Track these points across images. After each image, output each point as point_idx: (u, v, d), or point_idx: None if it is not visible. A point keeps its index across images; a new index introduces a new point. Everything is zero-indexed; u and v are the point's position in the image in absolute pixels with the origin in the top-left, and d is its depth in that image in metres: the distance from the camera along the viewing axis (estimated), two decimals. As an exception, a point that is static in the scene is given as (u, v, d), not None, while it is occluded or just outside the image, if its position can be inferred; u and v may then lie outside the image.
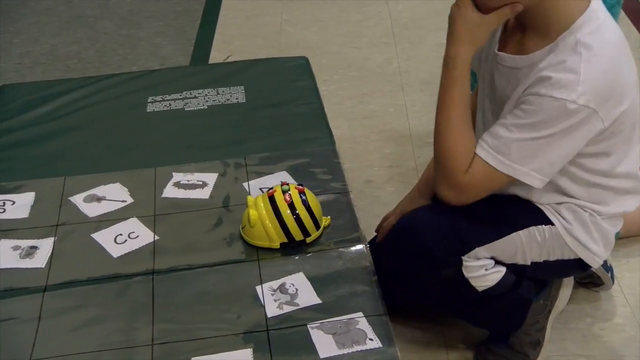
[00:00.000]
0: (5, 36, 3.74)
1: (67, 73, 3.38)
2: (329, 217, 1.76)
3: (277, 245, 1.69)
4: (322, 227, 1.73)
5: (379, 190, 2.57)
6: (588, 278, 2.11)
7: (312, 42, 3.52)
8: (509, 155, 1.60)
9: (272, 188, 1.72)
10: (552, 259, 1.76)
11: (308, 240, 1.71)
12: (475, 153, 1.64)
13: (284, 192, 1.69)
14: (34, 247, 1.74)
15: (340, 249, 1.69)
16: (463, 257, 1.69)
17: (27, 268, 1.69)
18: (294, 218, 1.67)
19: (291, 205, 1.68)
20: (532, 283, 1.86)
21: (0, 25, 3.82)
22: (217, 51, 3.48)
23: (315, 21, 3.71)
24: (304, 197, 1.70)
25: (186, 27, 3.75)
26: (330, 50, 3.43)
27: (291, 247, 1.70)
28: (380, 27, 3.62)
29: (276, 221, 1.67)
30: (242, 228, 1.73)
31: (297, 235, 1.69)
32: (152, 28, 3.76)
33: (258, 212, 1.68)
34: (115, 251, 1.72)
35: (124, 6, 4.00)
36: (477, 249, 1.70)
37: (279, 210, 1.68)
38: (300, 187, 1.72)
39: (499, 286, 1.75)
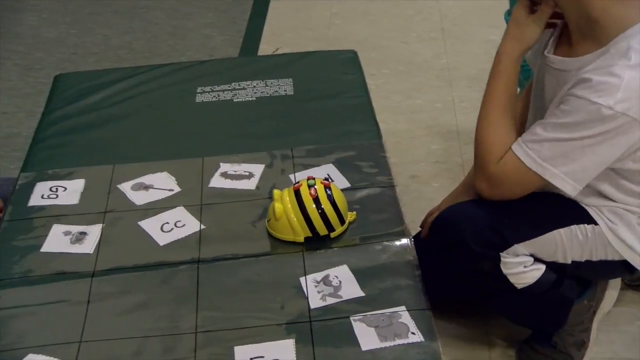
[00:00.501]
0: (62, 27, 3.81)
1: (118, 63, 3.42)
2: (354, 212, 1.76)
3: (301, 239, 1.70)
4: (347, 222, 1.73)
5: (425, 185, 2.57)
6: (638, 281, 2.09)
7: (361, 35, 3.52)
8: (540, 152, 1.60)
9: (298, 182, 1.73)
10: (595, 259, 1.74)
11: (332, 235, 1.71)
12: (510, 147, 1.64)
13: (309, 186, 1.70)
14: (84, 233, 1.77)
15: (384, 243, 1.70)
16: (501, 253, 1.69)
17: (76, 253, 1.72)
18: (319, 213, 1.68)
19: (316, 200, 1.68)
20: (575, 283, 1.84)
21: (58, 17, 3.88)
22: (266, 43, 3.50)
23: (364, 15, 3.71)
24: (329, 192, 1.70)
25: (236, 18, 3.77)
26: (379, 45, 3.43)
27: (335, 240, 1.71)
28: (429, 22, 3.61)
29: (301, 215, 1.68)
30: (268, 221, 1.74)
31: (322, 229, 1.70)
32: (202, 19, 3.79)
33: (283, 205, 1.69)
34: (162, 239, 1.75)
35: (175, -3, 4.04)
36: (515, 245, 1.69)
37: (304, 205, 1.68)
38: (326, 181, 1.73)
39: (538, 284, 1.74)
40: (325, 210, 1.68)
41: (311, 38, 3.51)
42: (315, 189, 1.69)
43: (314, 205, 1.68)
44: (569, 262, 1.74)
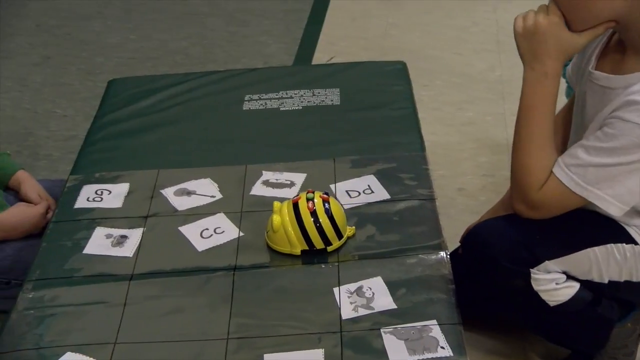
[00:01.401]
0: (124, 33, 3.88)
1: (174, 68, 3.48)
2: (353, 227, 1.76)
3: (297, 252, 1.71)
4: (345, 236, 1.73)
5: (471, 198, 2.55)
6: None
7: (415, 46, 3.52)
8: (585, 177, 1.57)
9: (297, 195, 1.74)
10: (635, 279, 1.71)
11: (329, 249, 1.71)
12: (551, 171, 1.62)
13: (308, 199, 1.71)
14: (124, 237, 1.80)
15: (420, 255, 1.70)
16: (531, 270, 1.67)
17: (116, 256, 1.76)
18: (316, 226, 1.69)
19: (314, 213, 1.69)
20: (616, 304, 1.81)
21: (121, 23, 3.97)
22: (321, 52, 3.52)
23: (419, 25, 3.71)
24: (327, 206, 1.71)
25: (292, 26, 3.80)
26: (433, 55, 3.43)
27: (371, 250, 1.71)
28: (485, 34, 3.59)
29: (298, 228, 1.69)
30: (267, 233, 1.75)
31: (318, 243, 1.70)
32: (259, 26, 3.83)
33: (282, 218, 1.70)
34: (200, 245, 1.77)
35: (233, 4, 4.08)
36: (547, 262, 1.67)
37: (302, 218, 1.69)
38: (325, 195, 1.73)
39: (572, 302, 1.71)
40: (322, 224, 1.69)
41: (365, 47, 3.52)
42: (313, 202, 1.70)
43: (311, 219, 1.69)
44: (606, 281, 1.71)
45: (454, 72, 3.30)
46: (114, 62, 3.60)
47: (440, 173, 2.65)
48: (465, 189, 2.59)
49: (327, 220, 1.70)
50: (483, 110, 3.01)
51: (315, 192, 1.73)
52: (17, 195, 2.26)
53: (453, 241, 1.93)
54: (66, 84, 3.46)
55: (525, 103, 1.66)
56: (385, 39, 3.61)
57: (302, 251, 1.71)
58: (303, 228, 1.69)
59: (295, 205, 1.71)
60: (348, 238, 1.75)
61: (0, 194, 2.24)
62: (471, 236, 1.79)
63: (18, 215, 2.14)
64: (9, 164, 2.30)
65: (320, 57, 3.46)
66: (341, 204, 1.77)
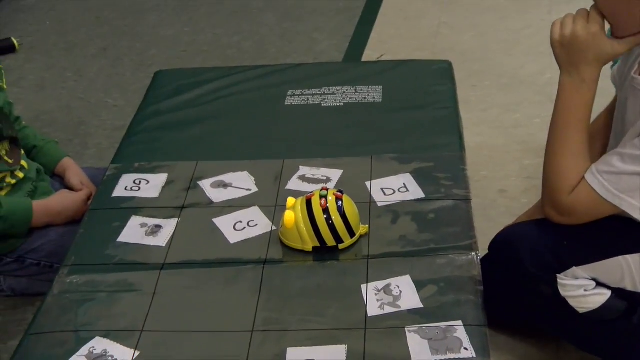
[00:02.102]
0: (178, 26, 3.93)
1: (225, 62, 3.51)
2: (367, 225, 1.76)
3: (309, 248, 1.71)
4: (357, 234, 1.73)
5: (513, 201, 2.53)
6: None
7: (467, 46, 3.50)
8: (618, 185, 1.54)
9: (312, 192, 1.74)
10: None
11: (341, 247, 1.71)
12: (583, 177, 1.59)
13: (321, 197, 1.70)
14: (159, 227, 1.83)
15: (450, 256, 1.69)
16: (558, 275, 1.65)
17: (149, 245, 1.78)
18: (328, 223, 1.69)
19: (326, 211, 1.69)
20: None
21: (176, 17, 4.01)
22: (371, 50, 3.51)
23: (472, 26, 3.68)
24: (340, 204, 1.70)
25: (345, 24, 3.80)
26: (484, 57, 3.40)
27: (402, 248, 1.71)
28: (539, 36, 3.54)
29: (310, 225, 1.69)
30: (280, 229, 1.75)
31: (330, 240, 1.70)
32: (311, 23, 3.84)
33: (295, 214, 1.70)
34: (233, 237, 1.79)
35: (288, 0, 4.10)
36: (574, 268, 1.64)
37: (314, 215, 1.69)
38: (339, 193, 1.73)
39: (604, 310, 1.68)
40: (334, 222, 1.69)
41: (416, 47, 3.50)
42: (326, 199, 1.70)
43: (323, 216, 1.69)
44: None
45: (503, 73, 3.26)
46: (167, 55, 3.65)
47: (484, 174, 2.63)
48: (507, 191, 2.56)
49: (339, 218, 1.69)
50: (531, 112, 2.98)
51: (329, 190, 1.73)
52: (62, 182, 2.31)
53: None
54: (119, 75, 3.51)
55: (561, 108, 1.64)
56: (436, 38, 3.59)
57: (314, 248, 1.72)
58: (315, 225, 1.69)
59: (309, 202, 1.71)
60: (361, 236, 1.75)
61: (47, 181, 2.29)
62: (498, 240, 1.77)
63: (61, 201, 2.19)
64: (56, 152, 2.35)
65: (370, 55, 3.46)
66: (354, 203, 1.76)
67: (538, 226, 1.71)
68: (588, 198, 1.58)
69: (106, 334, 1.56)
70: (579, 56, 1.57)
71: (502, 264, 1.71)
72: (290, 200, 1.73)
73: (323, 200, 1.70)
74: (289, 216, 1.70)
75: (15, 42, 3.73)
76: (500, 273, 1.68)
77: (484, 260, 1.69)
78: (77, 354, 1.52)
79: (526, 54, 3.41)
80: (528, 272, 1.67)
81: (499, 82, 3.20)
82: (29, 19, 4.07)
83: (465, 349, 1.47)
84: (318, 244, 1.71)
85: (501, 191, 2.57)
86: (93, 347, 1.53)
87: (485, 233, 2.21)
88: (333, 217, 1.69)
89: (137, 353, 1.51)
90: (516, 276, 1.69)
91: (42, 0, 4.26)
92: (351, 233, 1.72)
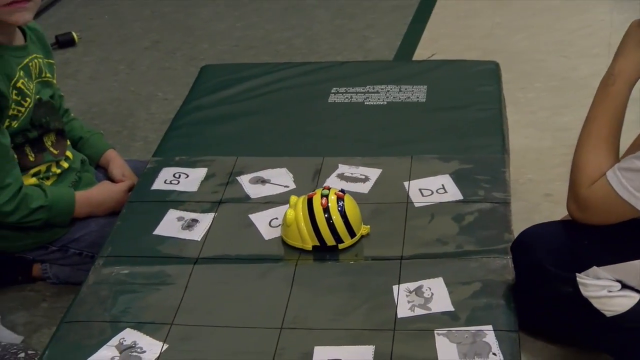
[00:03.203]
0: (230, 21, 3.95)
1: (275, 57, 3.51)
2: (368, 226, 1.75)
3: (309, 247, 1.71)
4: (358, 235, 1.72)
5: (558, 205, 2.47)
6: None
7: (519, 47, 3.45)
8: (634, 182, 1.51)
9: (314, 191, 1.74)
10: None
11: (340, 246, 1.71)
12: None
13: (322, 196, 1.70)
14: (195, 221, 1.84)
15: (484, 259, 1.67)
16: (578, 274, 1.61)
17: (184, 239, 1.79)
18: (328, 223, 1.68)
19: (326, 210, 1.69)
20: None
21: (229, 11, 4.03)
22: (422, 48, 3.48)
23: (526, 27, 3.63)
24: (341, 204, 1.70)
25: (397, 22, 3.78)
26: (536, 58, 3.34)
27: (435, 250, 1.69)
28: (596, 37, 3.48)
29: (310, 223, 1.68)
30: (282, 227, 1.75)
31: (329, 240, 1.70)
32: (364, 20, 3.83)
33: (295, 213, 1.69)
34: (268, 234, 1.79)
35: (344, -4, 4.10)
36: (595, 267, 1.60)
37: (314, 214, 1.68)
38: (341, 193, 1.72)
39: (634, 315, 1.64)
40: (334, 221, 1.69)
41: (468, 46, 3.46)
42: (327, 199, 1.70)
43: (323, 215, 1.68)
44: None
45: (555, 75, 3.21)
46: (218, 50, 3.67)
47: (529, 177, 2.59)
48: (553, 195, 2.52)
49: (339, 218, 1.69)
50: (581, 116, 2.86)
51: (331, 189, 1.73)
52: (106, 174, 2.34)
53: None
54: (170, 69, 3.54)
55: (594, 100, 1.63)
56: (489, 39, 3.54)
57: (314, 247, 1.71)
58: (315, 224, 1.69)
59: (310, 201, 1.71)
60: (362, 237, 1.74)
61: (92, 172, 2.32)
62: (518, 241, 1.73)
63: (103, 192, 2.21)
64: (100, 143, 2.38)
65: (421, 54, 3.43)
66: (356, 203, 1.77)
67: (558, 226, 1.69)
68: (604, 193, 1.56)
69: (137, 326, 1.57)
70: (621, 47, 1.57)
71: (523, 265, 1.67)
72: (293, 199, 1.74)
73: (324, 200, 1.70)
74: (289, 214, 1.70)
75: (75, 35, 3.79)
76: (523, 276, 1.65)
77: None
78: (108, 344, 1.53)
79: (580, 55, 3.35)
80: (548, 271, 1.63)
81: (550, 84, 3.15)
82: (90, 13, 4.13)
83: (494, 354, 1.45)
84: (318, 243, 1.71)
85: (546, 195, 2.52)
86: (123, 338, 1.54)
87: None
88: (333, 217, 1.69)
89: (165, 346, 1.52)
90: (537, 277, 1.65)
91: (103, -5, 4.33)
92: (351, 233, 1.72)
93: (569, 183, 1.65)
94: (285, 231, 1.74)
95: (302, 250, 1.73)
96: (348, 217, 1.70)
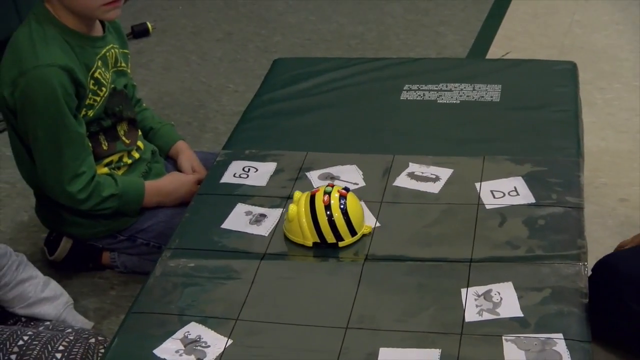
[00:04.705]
0: (303, 14, 3.94)
1: (347, 52, 3.49)
2: (370, 225, 1.75)
3: (309, 243, 1.71)
4: (359, 234, 1.72)
5: (634, 211, 2.42)
6: None
7: (599, 46, 3.36)
8: None
9: (317, 188, 1.76)
10: None
11: (341, 244, 1.71)
12: None
13: (325, 193, 1.71)
14: (263, 215, 1.83)
15: (556, 265, 1.63)
16: None
17: (252, 234, 1.79)
18: (328, 220, 1.68)
19: (328, 207, 1.69)
20: None
21: (302, 4, 4.03)
22: (496, 46, 3.43)
23: (609, 24, 3.53)
24: (343, 202, 1.70)
25: (472, 18, 3.72)
26: (618, 57, 3.26)
27: (504, 253, 1.66)
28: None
29: (311, 220, 1.69)
30: (284, 222, 1.76)
31: (330, 237, 1.70)
32: (438, 16, 3.78)
33: (298, 209, 1.70)
34: (335, 231, 1.77)
35: (418, -9, 4.06)
36: None
37: (316, 211, 1.69)
38: (344, 191, 1.73)
39: None
40: (335, 219, 1.69)
41: (544, 45, 3.39)
42: (330, 196, 1.70)
43: (324, 213, 1.69)
44: None
45: (636, 75, 3.12)
46: (290, 42, 3.66)
47: (603, 181, 2.53)
48: (629, 200, 2.45)
49: (340, 216, 1.70)
50: None
51: (335, 187, 1.74)
52: (175, 165, 2.35)
53: (605, 253, 1.84)
54: (242, 60, 3.55)
55: None
56: (567, 37, 3.47)
57: (314, 243, 1.71)
58: (316, 220, 1.70)
59: (312, 198, 1.72)
60: (363, 235, 1.74)
61: (161, 162, 2.34)
62: (600, 267, 1.65)
63: (172, 182, 2.23)
64: (171, 134, 2.39)
65: (495, 52, 3.37)
66: (361, 202, 1.78)
67: None
68: None
69: (202, 320, 1.57)
70: None
71: (603, 293, 1.60)
72: (297, 194, 1.76)
73: (326, 197, 1.71)
74: (291, 210, 1.71)
75: (149, 25, 3.83)
76: (602, 301, 1.58)
77: (590, 279, 1.60)
78: (173, 337, 1.54)
79: (666, 55, 3.25)
80: (630, 309, 1.56)
81: (631, 84, 3.07)
82: (164, 4, 4.17)
83: (564, 364, 1.41)
84: (318, 240, 1.71)
85: (622, 200, 2.46)
86: (188, 331, 1.54)
87: (602, 242, 2.14)
88: (335, 215, 1.69)
89: (230, 341, 1.51)
90: (617, 312, 1.57)
91: (178, -15, 4.36)
92: (352, 232, 1.71)
93: None
94: (287, 226, 1.75)
95: (368, 250, 1.71)
96: (350, 215, 1.71)
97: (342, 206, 1.71)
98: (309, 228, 1.70)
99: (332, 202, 1.71)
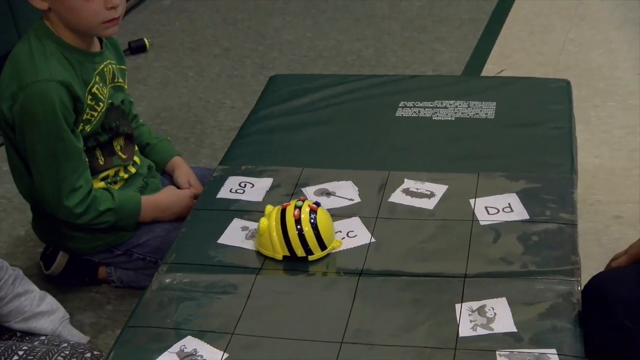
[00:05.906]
0: (301, 30, 3.96)
1: (344, 68, 3.52)
2: (341, 240, 1.77)
3: (279, 257, 1.74)
4: (329, 248, 1.74)
5: (628, 228, 2.43)
6: None
7: (594, 64, 3.39)
8: None
9: (288, 202, 1.78)
10: None
11: (310, 258, 1.73)
12: None
13: (296, 207, 1.73)
14: (259, 231, 1.84)
15: (549, 280, 1.64)
16: None
17: (248, 249, 1.80)
18: (298, 234, 1.71)
19: (298, 221, 1.72)
20: None
21: (300, 20, 4.05)
22: (492, 63, 3.45)
23: (603, 42, 3.56)
24: (313, 216, 1.73)
25: (468, 35, 3.75)
26: (612, 75, 3.28)
27: (499, 269, 1.67)
28: (678, 54, 3.40)
29: (281, 234, 1.71)
30: (256, 235, 1.78)
31: (299, 251, 1.73)
32: (434, 33, 3.81)
33: (269, 222, 1.72)
34: (331, 246, 1.79)
35: (413, 9, 4.08)
36: None
37: (286, 224, 1.71)
38: (315, 206, 1.75)
39: None
40: (305, 233, 1.71)
41: (539, 62, 3.42)
42: (300, 210, 1.73)
43: (294, 226, 1.71)
44: None
45: (632, 93, 3.14)
46: (288, 59, 3.68)
47: (598, 198, 2.54)
48: (623, 217, 2.47)
49: (310, 230, 1.72)
50: None
51: (306, 201, 1.76)
52: (172, 180, 2.36)
53: (599, 269, 1.85)
54: (239, 76, 3.57)
55: None
56: (562, 54, 3.49)
57: (284, 257, 1.73)
58: (286, 234, 1.72)
59: (283, 212, 1.74)
60: (333, 250, 1.76)
61: (158, 177, 2.35)
62: (591, 287, 1.65)
63: (169, 197, 2.24)
64: (167, 150, 2.40)
65: (490, 69, 3.39)
66: (330, 216, 1.80)
67: (636, 272, 1.62)
68: None
69: (198, 334, 1.58)
70: None
71: (595, 309, 1.60)
72: (268, 208, 1.78)
73: (297, 211, 1.73)
74: (262, 223, 1.73)
75: (146, 42, 3.85)
76: (594, 317, 1.58)
77: (582, 294, 1.61)
78: (169, 350, 1.54)
79: (660, 74, 3.27)
80: (624, 326, 1.55)
81: (625, 102, 3.09)
82: (162, 20, 4.19)
83: (557, 379, 1.42)
84: (288, 253, 1.73)
85: (616, 217, 2.47)
86: (184, 345, 1.55)
87: (596, 259, 2.15)
88: (305, 229, 1.71)
89: (225, 355, 1.52)
90: (610, 330, 1.57)
91: (176, 2, 4.37)
92: (322, 246, 1.73)
93: None
94: (258, 239, 1.77)
95: (364, 264, 1.72)
96: (319, 229, 1.73)
97: (312, 220, 1.73)
98: (279, 241, 1.73)
99: (302, 216, 1.73)
